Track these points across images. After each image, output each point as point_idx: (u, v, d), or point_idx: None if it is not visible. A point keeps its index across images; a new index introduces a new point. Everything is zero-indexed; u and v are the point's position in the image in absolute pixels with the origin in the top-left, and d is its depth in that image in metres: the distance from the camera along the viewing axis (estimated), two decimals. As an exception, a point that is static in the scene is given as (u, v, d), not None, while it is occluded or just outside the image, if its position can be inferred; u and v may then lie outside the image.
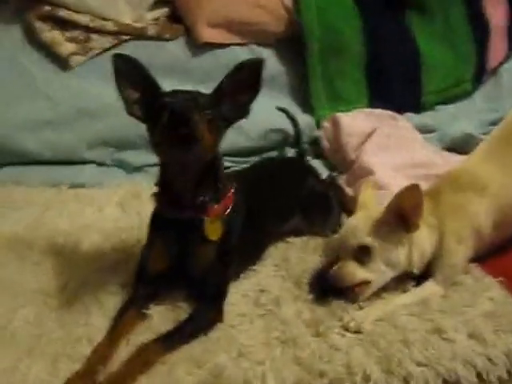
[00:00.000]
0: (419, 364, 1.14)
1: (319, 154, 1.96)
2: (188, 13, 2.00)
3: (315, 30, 1.99)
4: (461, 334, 1.20)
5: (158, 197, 1.26)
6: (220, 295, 1.24)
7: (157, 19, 2.00)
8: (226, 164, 1.87)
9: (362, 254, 1.29)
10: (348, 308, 1.27)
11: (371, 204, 1.42)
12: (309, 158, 1.91)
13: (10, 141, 1.82)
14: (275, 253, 1.47)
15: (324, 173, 1.83)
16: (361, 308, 1.28)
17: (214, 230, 1.23)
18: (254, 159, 1.90)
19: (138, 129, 1.81)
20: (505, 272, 1.41)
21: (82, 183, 1.77)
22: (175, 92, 1.20)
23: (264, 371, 1.10)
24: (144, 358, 1.11)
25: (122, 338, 1.17)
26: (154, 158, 1.27)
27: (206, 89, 2.05)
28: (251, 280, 1.37)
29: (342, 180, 1.76)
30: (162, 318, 1.24)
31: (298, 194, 1.54)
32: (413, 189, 1.27)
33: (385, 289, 1.33)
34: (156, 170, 1.28)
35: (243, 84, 1.23)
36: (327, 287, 1.31)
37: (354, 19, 2.04)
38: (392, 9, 2.11)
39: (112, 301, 1.28)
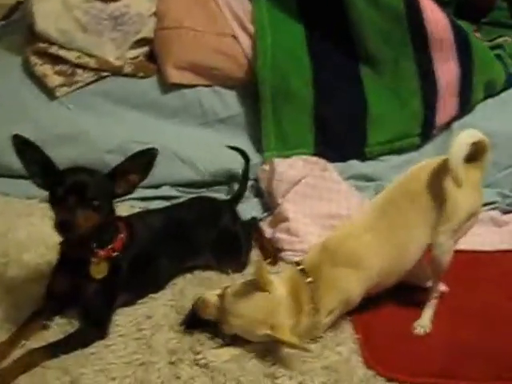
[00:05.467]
0: (241, 401, 1.35)
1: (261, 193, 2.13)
2: (159, 55, 2.24)
3: (268, 77, 2.17)
4: (292, 382, 1.39)
5: (62, 236, 1.53)
6: (100, 320, 1.51)
7: (137, 57, 2.26)
8: (175, 194, 2.14)
9: None
10: (208, 344, 1.48)
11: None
12: (249, 195, 2.11)
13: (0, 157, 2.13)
14: (178, 284, 1.71)
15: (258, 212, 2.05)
16: (221, 347, 1.47)
17: (98, 270, 1.51)
18: (203, 191, 2.14)
19: (106, 156, 2.12)
20: (370, 329, 1.55)
21: (50, 198, 2.07)
22: (70, 179, 1.45)
23: (111, 387, 1.37)
24: (29, 360, 1.40)
25: (20, 341, 1.47)
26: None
27: (173, 124, 2.30)
28: (145, 305, 1.62)
29: (266, 221, 1.97)
30: (59, 329, 1.52)
31: (208, 233, 1.76)
32: None
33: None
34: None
35: (137, 168, 1.49)
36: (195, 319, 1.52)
37: (305, 70, 2.19)
38: (344, 60, 2.23)
39: (31, 309, 1.55)
